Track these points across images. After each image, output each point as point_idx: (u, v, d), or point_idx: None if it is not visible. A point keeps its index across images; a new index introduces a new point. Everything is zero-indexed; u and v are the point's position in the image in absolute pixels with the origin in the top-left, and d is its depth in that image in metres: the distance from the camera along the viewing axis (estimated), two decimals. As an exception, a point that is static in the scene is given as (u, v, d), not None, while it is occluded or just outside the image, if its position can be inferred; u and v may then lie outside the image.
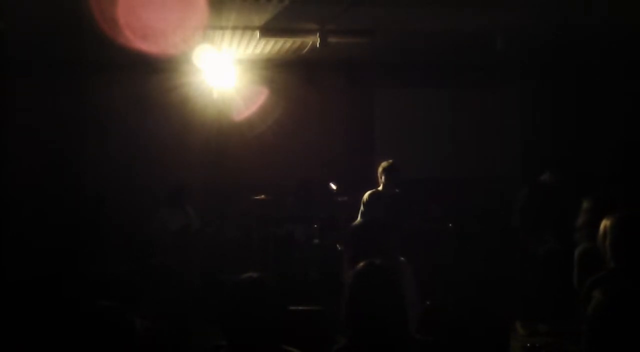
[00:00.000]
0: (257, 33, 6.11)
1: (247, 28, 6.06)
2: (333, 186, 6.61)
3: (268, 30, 6.07)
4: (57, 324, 2.99)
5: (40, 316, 4.78)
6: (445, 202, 7.56)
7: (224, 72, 6.81)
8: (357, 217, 6.13)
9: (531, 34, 6.55)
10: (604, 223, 3.18)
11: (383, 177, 6.09)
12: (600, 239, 3.18)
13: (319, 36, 6.03)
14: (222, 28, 5.97)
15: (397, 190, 6.14)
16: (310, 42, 6.39)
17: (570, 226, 6.09)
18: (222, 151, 7.92)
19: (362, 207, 6.17)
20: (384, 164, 6.14)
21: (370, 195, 6.13)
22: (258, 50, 7.08)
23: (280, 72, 7.73)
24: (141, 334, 2.35)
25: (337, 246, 6.37)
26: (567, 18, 5.94)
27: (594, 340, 1.96)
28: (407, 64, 8.09)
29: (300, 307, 4.27)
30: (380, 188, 6.13)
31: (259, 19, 5.73)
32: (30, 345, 4.45)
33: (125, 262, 6.33)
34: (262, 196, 7.32)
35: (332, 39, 6.09)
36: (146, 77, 7.45)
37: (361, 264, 2.62)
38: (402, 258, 3.95)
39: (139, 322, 2.35)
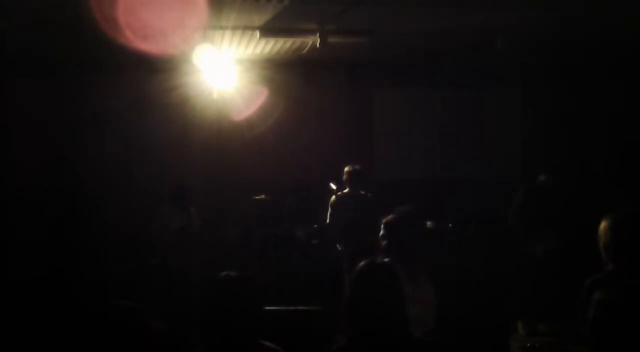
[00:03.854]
0: (257, 33, 6.10)
1: (247, 28, 6.05)
2: (333, 186, 6.62)
3: (268, 30, 6.06)
4: (73, 325, 2.99)
5: (52, 316, 4.78)
6: (445, 202, 7.57)
7: (224, 72, 6.80)
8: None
9: (531, 34, 6.55)
10: (602, 225, 3.18)
11: (347, 182, 6.32)
12: (600, 240, 3.17)
13: (319, 36, 6.03)
14: (222, 28, 5.96)
15: (362, 192, 6.32)
16: (310, 42, 6.39)
17: (569, 227, 6.13)
18: (222, 151, 7.92)
19: (330, 210, 6.39)
20: (347, 168, 6.36)
21: (337, 198, 6.34)
22: (258, 50, 7.08)
23: (280, 72, 7.72)
24: (158, 335, 2.36)
25: (337, 245, 6.38)
26: (567, 18, 5.94)
27: (599, 341, 1.96)
28: (407, 64, 8.09)
29: (300, 307, 4.27)
30: (346, 191, 6.34)
31: (259, 19, 5.73)
32: (47, 346, 4.44)
33: (125, 262, 6.33)
34: (262, 196, 7.33)
35: (332, 39, 6.09)
36: (146, 77, 7.45)
37: (362, 263, 2.62)
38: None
39: (156, 324, 2.36)
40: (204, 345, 2.41)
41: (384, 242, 3.91)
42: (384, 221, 4.02)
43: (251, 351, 2.43)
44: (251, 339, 2.43)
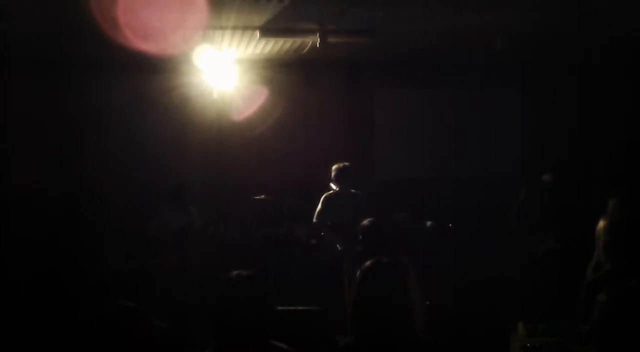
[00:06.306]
0: (257, 33, 6.10)
1: (247, 28, 6.06)
2: (334, 187, 6.62)
3: (268, 30, 6.06)
4: (74, 325, 2.99)
5: (52, 316, 4.77)
6: (445, 202, 7.57)
7: (224, 72, 6.81)
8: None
9: (531, 34, 6.55)
10: (599, 225, 3.18)
11: (335, 179, 6.25)
12: (597, 240, 3.18)
13: (319, 36, 6.03)
14: (222, 28, 5.97)
15: (353, 191, 6.27)
16: (310, 42, 6.39)
17: (570, 226, 6.13)
18: (222, 151, 7.92)
19: (319, 207, 6.31)
20: (335, 166, 6.29)
21: (325, 197, 6.27)
22: (258, 50, 7.08)
23: (280, 72, 7.72)
24: (159, 334, 2.35)
25: (337, 245, 6.38)
26: (567, 18, 5.94)
27: (603, 342, 1.96)
28: (407, 64, 8.08)
29: (300, 307, 4.27)
30: (336, 190, 6.27)
31: (259, 19, 5.73)
32: (47, 346, 4.44)
33: (124, 262, 6.32)
34: (262, 196, 7.32)
35: (332, 39, 6.08)
36: (146, 77, 7.44)
37: (369, 262, 2.61)
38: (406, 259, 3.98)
39: (156, 323, 2.36)
40: (216, 345, 2.40)
41: (359, 247, 3.98)
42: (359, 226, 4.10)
43: (263, 351, 2.41)
44: (263, 339, 2.41)
